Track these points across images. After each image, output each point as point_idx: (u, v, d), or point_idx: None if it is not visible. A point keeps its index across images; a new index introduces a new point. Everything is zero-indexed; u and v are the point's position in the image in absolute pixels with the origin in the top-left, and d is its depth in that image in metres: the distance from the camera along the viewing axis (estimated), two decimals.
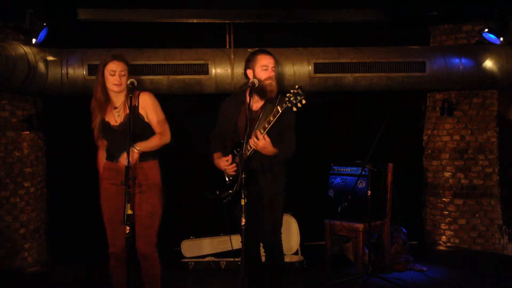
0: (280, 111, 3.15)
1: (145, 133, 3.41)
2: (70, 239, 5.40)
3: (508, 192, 5.51)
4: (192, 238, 5.21)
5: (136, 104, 3.38)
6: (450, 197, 5.75)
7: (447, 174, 5.77)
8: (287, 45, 5.10)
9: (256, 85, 3.28)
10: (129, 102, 3.22)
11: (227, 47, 5.04)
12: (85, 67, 4.72)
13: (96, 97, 3.40)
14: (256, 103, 3.42)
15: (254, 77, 3.34)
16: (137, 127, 3.34)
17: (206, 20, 4.95)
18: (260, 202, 3.40)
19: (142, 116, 3.41)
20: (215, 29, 5.16)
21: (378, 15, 5.05)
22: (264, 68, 3.35)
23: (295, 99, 3.11)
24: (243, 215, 3.00)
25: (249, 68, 3.41)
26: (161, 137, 3.43)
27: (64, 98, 5.07)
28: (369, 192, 4.53)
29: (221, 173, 3.47)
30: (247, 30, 5.18)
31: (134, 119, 3.32)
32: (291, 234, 5.12)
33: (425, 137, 5.97)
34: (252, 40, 5.07)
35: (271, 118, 3.19)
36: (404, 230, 5.11)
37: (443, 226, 5.80)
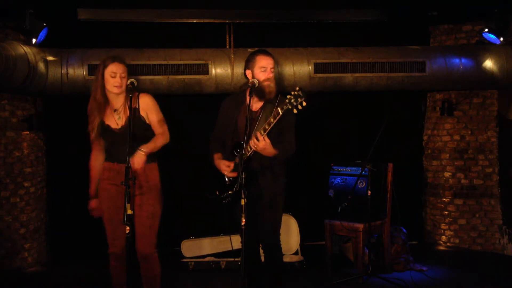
0: (281, 113, 3.14)
1: (146, 134, 3.41)
2: (70, 239, 5.40)
3: (508, 192, 5.51)
4: (192, 238, 5.21)
5: (137, 106, 3.37)
6: (450, 197, 5.75)
7: (447, 174, 5.77)
8: (287, 45, 5.10)
9: (256, 85, 3.28)
10: (129, 102, 3.22)
11: (227, 47, 5.04)
12: (85, 67, 4.72)
13: (96, 99, 3.38)
14: (256, 104, 3.42)
15: (253, 77, 3.34)
16: (138, 129, 3.34)
17: (206, 20, 4.95)
18: (260, 202, 3.40)
19: (143, 118, 3.41)
20: (215, 29, 5.16)
21: (378, 15, 5.05)
22: (262, 69, 3.34)
23: (296, 101, 3.11)
24: (243, 215, 3.00)
25: (248, 68, 3.41)
26: (163, 137, 3.44)
27: (64, 98, 5.07)
28: (369, 192, 4.53)
29: (221, 173, 3.46)
30: (247, 30, 5.18)
31: (136, 121, 3.33)
32: (291, 234, 5.12)
33: (425, 137, 5.97)
34: (252, 40, 5.07)
35: (272, 120, 3.18)
36: (404, 230, 5.11)
37: (443, 226, 5.80)
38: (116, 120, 3.40)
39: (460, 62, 5.05)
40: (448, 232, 5.77)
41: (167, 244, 4.86)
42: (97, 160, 3.52)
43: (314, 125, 5.38)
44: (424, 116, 5.95)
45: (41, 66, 4.57)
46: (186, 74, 4.85)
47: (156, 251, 3.47)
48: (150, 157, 3.42)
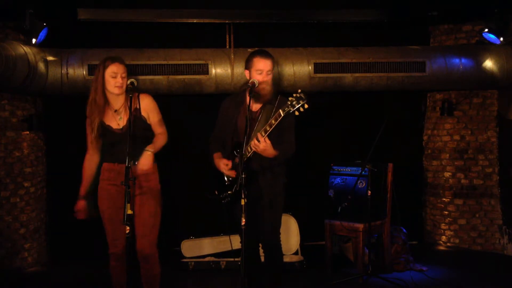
0: (282, 115, 3.14)
1: (147, 134, 3.42)
2: (70, 239, 5.40)
3: (508, 192, 5.51)
4: (192, 238, 5.21)
5: (138, 107, 3.37)
6: (450, 197, 5.75)
7: (447, 174, 5.77)
8: (287, 45, 5.10)
9: (256, 85, 3.28)
10: (129, 102, 3.22)
11: (227, 47, 5.04)
12: (85, 67, 4.72)
13: (96, 100, 3.37)
14: (256, 104, 3.42)
15: (251, 78, 3.35)
16: (140, 129, 3.35)
17: (206, 20, 4.95)
18: (260, 202, 3.40)
19: (145, 118, 3.41)
20: (215, 29, 5.16)
21: (378, 15, 5.05)
22: (258, 72, 3.32)
23: (297, 103, 3.10)
24: (243, 215, 3.00)
25: (247, 69, 3.42)
26: (163, 136, 3.46)
27: (64, 98, 5.07)
28: (369, 192, 4.53)
29: (221, 173, 3.46)
30: (247, 30, 5.18)
31: (137, 121, 3.33)
32: (291, 234, 5.12)
33: (425, 137, 5.97)
34: (252, 40, 5.07)
35: (273, 121, 3.18)
36: (404, 230, 5.11)
37: (443, 226, 5.80)
38: (117, 121, 3.40)
39: (460, 62, 5.05)
40: (448, 232, 5.77)
41: (167, 244, 4.86)
42: (92, 161, 3.49)
43: (314, 125, 5.37)
44: (424, 116, 5.95)
45: (41, 66, 4.57)
46: (186, 74, 4.85)
47: (157, 251, 3.47)
48: None
